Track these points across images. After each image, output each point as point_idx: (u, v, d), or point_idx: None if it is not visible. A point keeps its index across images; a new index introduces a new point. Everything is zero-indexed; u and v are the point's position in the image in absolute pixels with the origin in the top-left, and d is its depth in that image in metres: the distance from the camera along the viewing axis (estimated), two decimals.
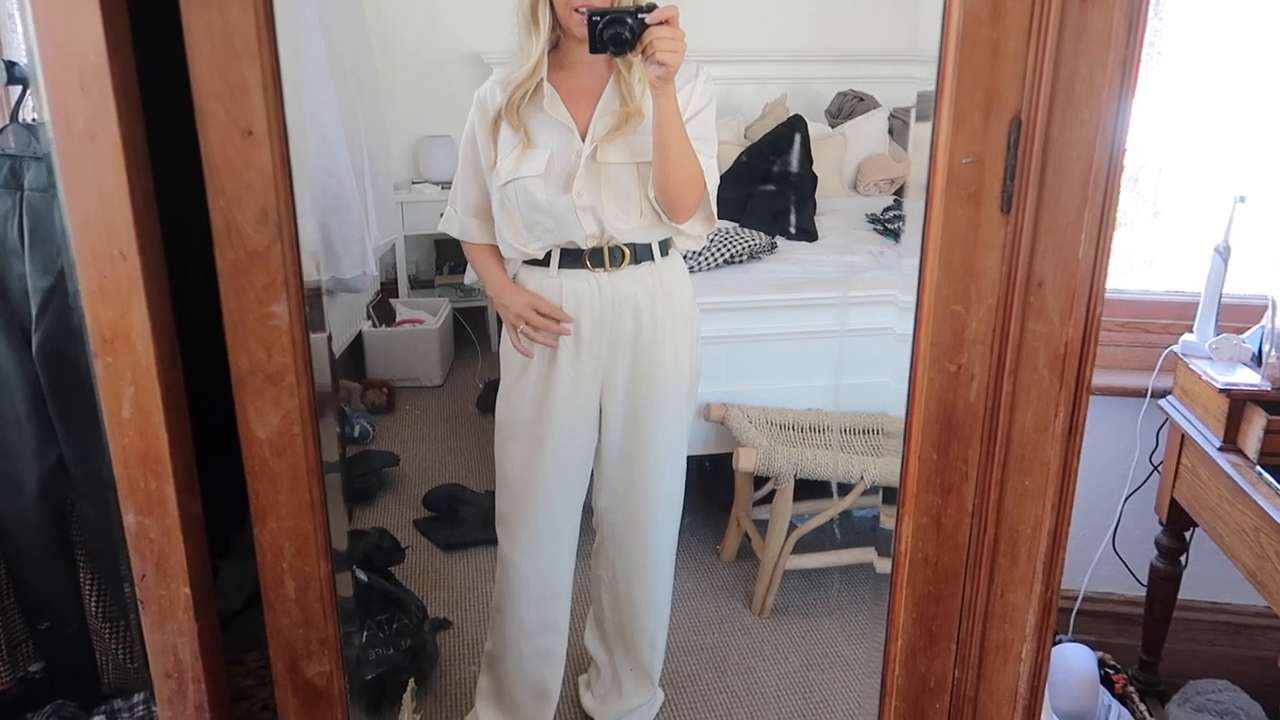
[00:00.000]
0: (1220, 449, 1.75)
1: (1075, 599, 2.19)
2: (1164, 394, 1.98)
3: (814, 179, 2.00)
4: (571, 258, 1.48)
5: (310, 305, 1.01)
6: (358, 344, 2.07)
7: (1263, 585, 1.61)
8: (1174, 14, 2.07)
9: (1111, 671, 2.04)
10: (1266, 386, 1.74)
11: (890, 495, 1.10)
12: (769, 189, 1.96)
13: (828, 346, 1.92)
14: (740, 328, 1.90)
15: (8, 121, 1.40)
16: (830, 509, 1.88)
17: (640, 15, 1.28)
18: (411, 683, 1.64)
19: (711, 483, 1.96)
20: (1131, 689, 2.03)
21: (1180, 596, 2.05)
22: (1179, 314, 2.10)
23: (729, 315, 1.88)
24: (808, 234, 1.97)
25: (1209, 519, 1.79)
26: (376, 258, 1.95)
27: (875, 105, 2.10)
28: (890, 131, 2.12)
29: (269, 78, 0.92)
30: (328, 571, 1.07)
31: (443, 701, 1.75)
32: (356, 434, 2.06)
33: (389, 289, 2.12)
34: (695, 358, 1.59)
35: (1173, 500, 1.94)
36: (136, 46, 0.94)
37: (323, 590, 1.07)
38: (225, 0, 0.89)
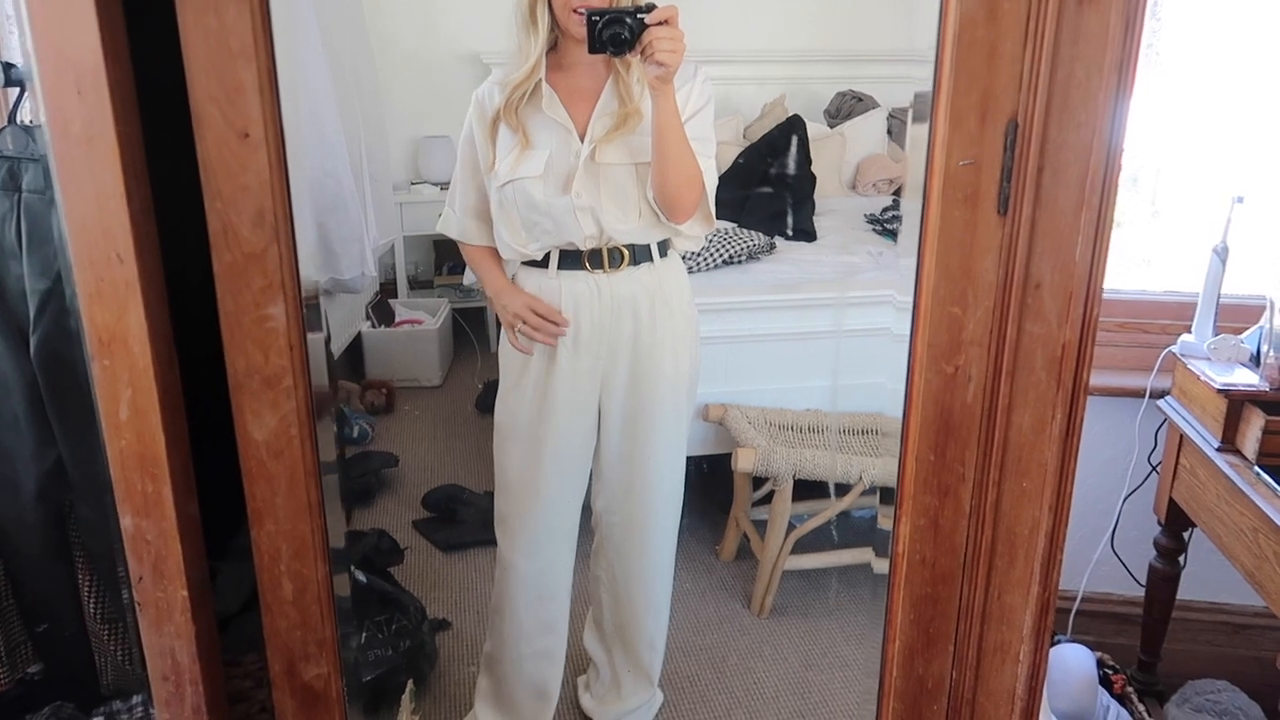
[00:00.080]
0: (1218, 449, 1.75)
1: (1074, 599, 2.19)
2: (1162, 394, 1.98)
3: (812, 179, 2.00)
4: (570, 259, 1.48)
5: (307, 307, 1.01)
6: (357, 345, 2.07)
7: (1261, 585, 1.61)
8: (1172, 15, 2.07)
9: (1110, 672, 2.04)
10: (1265, 387, 1.74)
11: (888, 496, 1.10)
12: (767, 190, 1.96)
13: (827, 347, 1.92)
14: (739, 328, 1.90)
15: (5, 123, 1.40)
16: (829, 509, 1.88)
17: (639, 15, 1.28)
18: (410, 684, 1.64)
19: (710, 483, 1.96)
20: (1130, 689, 2.03)
21: (1179, 597, 2.05)
22: (1177, 314, 2.10)
23: (728, 316, 1.87)
24: (806, 234, 1.97)
25: (1207, 519, 1.80)
26: (375, 258, 1.95)
27: (874, 105, 2.10)
28: (889, 132, 2.12)
29: (265, 80, 0.92)
30: (325, 573, 1.08)
31: (441, 702, 1.75)
32: (355, 435, 2.06)
33: (388, 289, 2.12)
34: (694, 358, 1.59)
35: (1171, 500, 1.94)
36: (133, 49, 0.94)
37: (320, 592, 1.08)
38: (222, 2, 0.89)
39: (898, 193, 2.07)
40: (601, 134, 1.41)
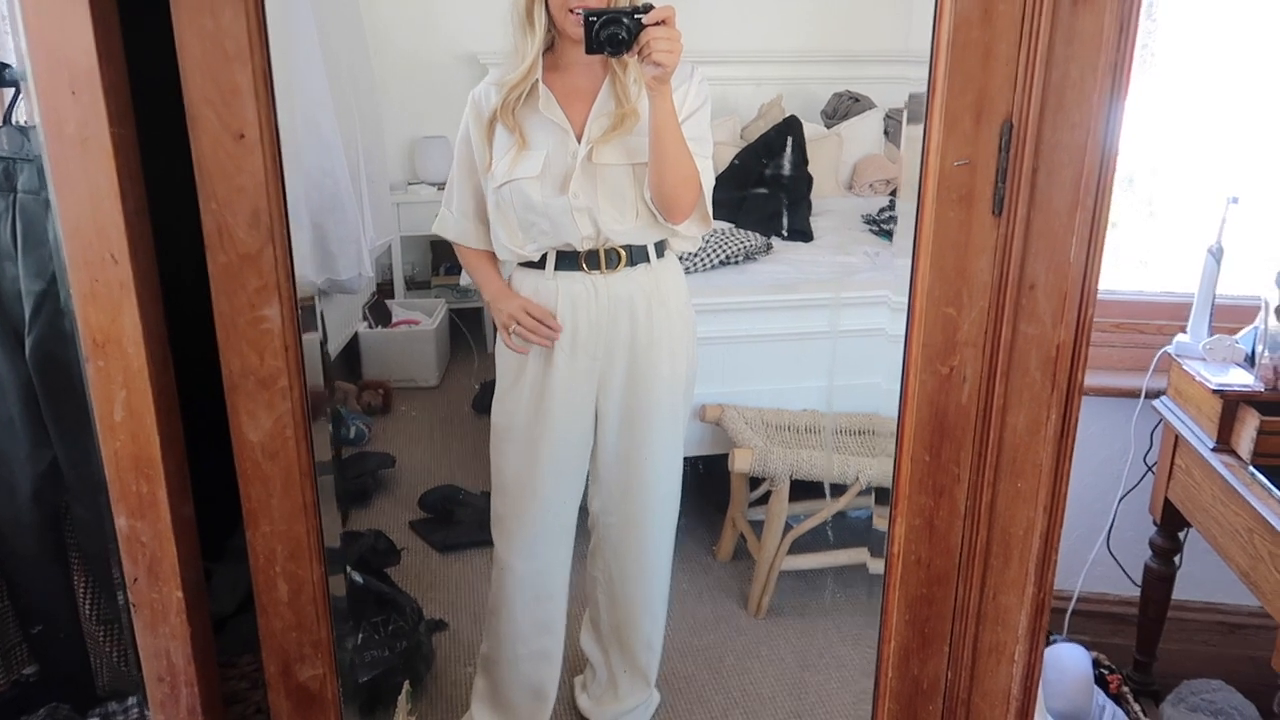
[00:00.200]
0: (1214, 450, 1.75)
1: (1070, 599, 2.19)
2: (1158, 395, 1.98)
3: (809, 180, 2.00)
4: (567, 259, 1.48)
5: (303, 308, 1.01)
6: (353, 345, 2.07)
7: (1256, 585, 1.62)
8: (1167, 16, 2.07)
9: (1106, 671, 2.04)
10: (1259, 387, 1.74)
11: (883, 496, 1.10)
12: (764, 190, 1.96)
13: (824, 347, 1.92)
14: (736, 329, 1.90)
15: (0, 124, 1.40)
16: (825, 510, 1.88)
17: (636, 16, 1.27)
18: (407, 685, 1.64)
19: (707, 484, 1.96)
20: (1126, 689, 2.03)
21: (1174, 597, 2.06)
22: (1173, 315, 2.10)
23: (725, 316, 1.87)
24: (803, 235, 1.97)
25: (1203, 519, 1.80)
26: (372, 259, 1.95)
27: (871, 106, 2.10)
28: (886, 132, 2.12)
29: (261, 81, 0.92)
30: (321, 574, 1.08)
31: (438, 703, 1.75)
32: (352, 435, 2.05)
33: (385, 290, 2.11)
34: (691, 359, 1.59)
35: (1166, 501, 1.94)
36: (128, 50, 0.94)
37: (316, 593, 1.08)
38: (217, 4, 0.89)
39: (895, 193, 2.07)
40: (598, 134, 1.41)
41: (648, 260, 1.49)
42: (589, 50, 1.29)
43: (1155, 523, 2.02)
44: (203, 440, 1.09)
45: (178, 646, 1.07)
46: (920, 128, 0.96)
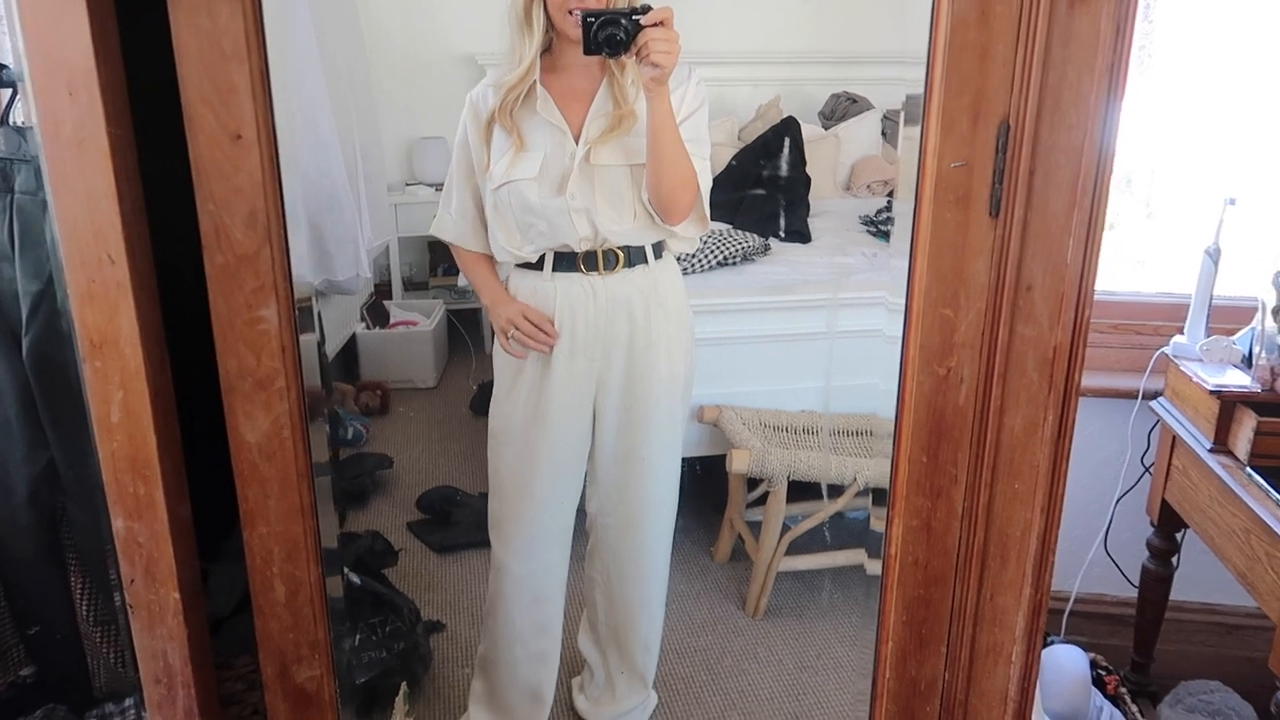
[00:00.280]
0: (1211, 450, 1.75)
1: (1067, 600, 2.19)
2: (1155, 395, 1.98)
3: (807, 181, 2.00)
4: (565, 261, 1.48)
5: (300, 308, 1.01)
6: (351, 346, 2.07)
7: (1253, 586, 1.62)
8: (1164, 17, 2.07)
9: (1103, 673, 2.05)
10: (1256, 388, 1.74)
11: (880, 498, 1.10)
12: (762, 191, 1.96)
13: (822, 348, 1.92)
14: (734, 330, 1.90)
15: None
16: (823, 511, 1.88)
17: (635, 17, 1.28)
18: (404, 686, 1.64)
19: (705, 485, 1.96)
20: (1123, 690, 2.03)
21: (1172, 598, 2.06)
22: (1170, 315, 2.10)
23: (723, 317, 1.87)
24: (801, 236, 1.97)
25: (1200, 520, 1.80)
26: (370, 259, 1.95)
27: (868, 107, 2.10)
28: (883, 133, 2.12)
29: (258, 81, 0.92)
30: (318, 576, 1.07)
31: (435, 705, 1.75)
32: (350, 436, 2.05)
33: (382, 291, 2.11)
34: (689, 360, 1.59)
35: (1164, 502, 1.94)
36: (125, 50, 0.94)
37: (313, 594, 1.07)
38: (214, 3, 0.89)
39: (892, 194, 2.07)
40: (596, 135, 1.41)
41: (646, 261, 1.49)
42: (587, 51, 1.29)
43: (1152, 524, 2.02)
44: (200, 441, 1.09)
45: (175, 648, 1.07)
46: (917, 129, 0.96)
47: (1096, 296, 0.98)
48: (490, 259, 1.53)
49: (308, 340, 1.04)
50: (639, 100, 1.38)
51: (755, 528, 1.94)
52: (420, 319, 2.14)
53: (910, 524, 1.05)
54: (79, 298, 0.97)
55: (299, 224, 1.01)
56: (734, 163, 1.95)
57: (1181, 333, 1.94)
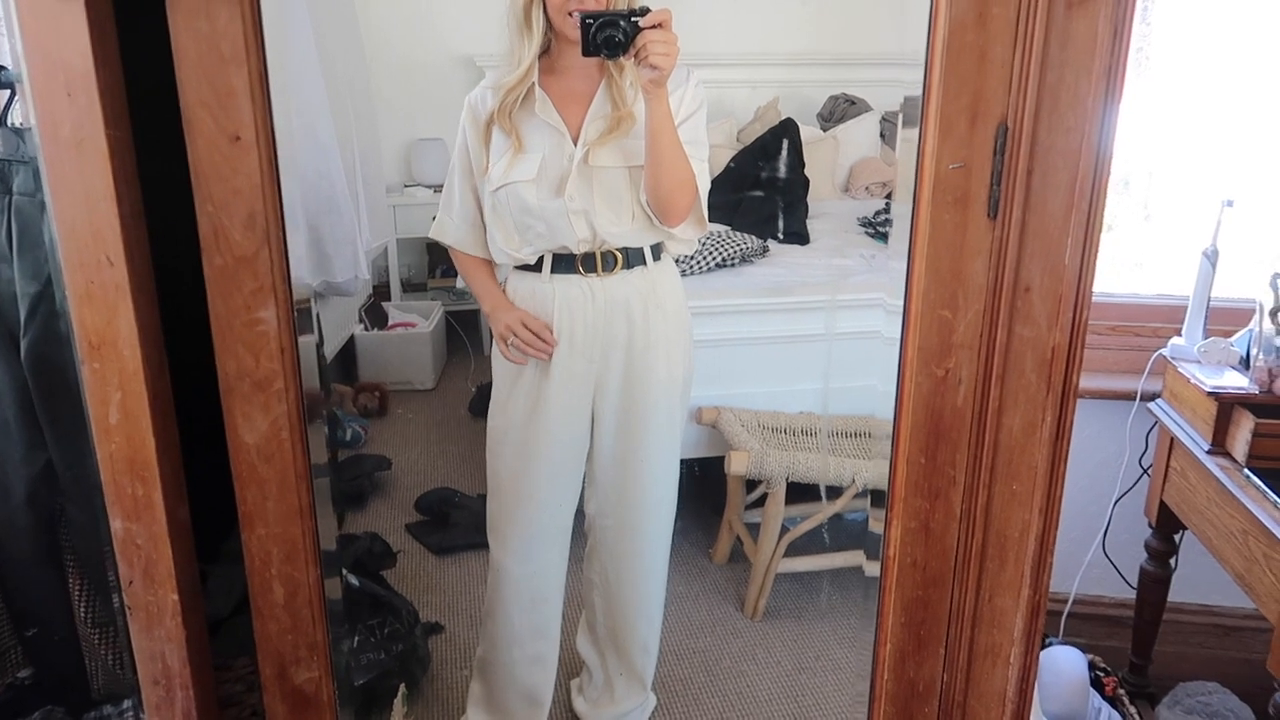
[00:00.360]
0: (1209, 452, 1.75)
1: (1065, 602, 2.19)
2: (1153, 397, 1.99)
3: (805, 182, 2.00)
4: (564, 262, 1.48)
5: (299, 310, 1.01)
6: (350, 347, 2.07)
7: (1251, 588, 1.62)
8: (1162, 20, 2.08)
9: (1102, 674, 2.05)
10: (1254, 390, 1.75)
11: (879, 499, 1.10)
12: (760, 193, 1.96)
13: (820, 350, 1.93)
14: (732, 331, 1.90)
15: None
16: (821, 512, 1.88)
17: (633, 19, 1.28)
18: (402, 688, 1.64)
19: (703, 486, 1.96)
20: (1122, 691, 2.03)
21: (1170, 599, 2.06)
22: (1168, 317, 2.11)
23: (721, 319, 1.88)
24: (799, 237, 1.97)
25: (1198, 522, 1.80)
26: (368, 261, 1.95)
27: (867, 109, 2.11)
28: (882, 135, 2.13)
29: (257, 84, 0.92)
30: (316, 577, 1.07)
31: (434, 707, 1.75)
32: (348, 438, 2.05)
33: (381, 292, 2.11)
34: (688, 362, 1.59)
35: (1162, 503, 1.94)
36: (124, 52, 0.94)
37: (311, 596, 1.07)
38: (213, 7, 0.89)
39: (890, 196, 2.07)
40: (595, 137, 1.41)
41: (644, 263, 1.49)
42: (586, 53, 1.29)
43: (1150, 525, 2.02)
44: (198, 443, 1.09)
45: (173, 649, 1.07)
46: (916, 131, 0.96)
47: (1094, 298, 0.98)
48: (490, 264, 1.53)
49: (306, 342, 1.04)
50: (637, 102, 1.38)
51: (754, 529, 1.94)
52: (419, 320, 2.14)
53: (909, 525, 1.05)
54: (77, 299, 0.97)
55: (297, 226, 1.01)
56: (732, 164, 1.95)
57: (1179, 334, 1.94)
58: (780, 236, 1.95)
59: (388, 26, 1.94)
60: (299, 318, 1.01)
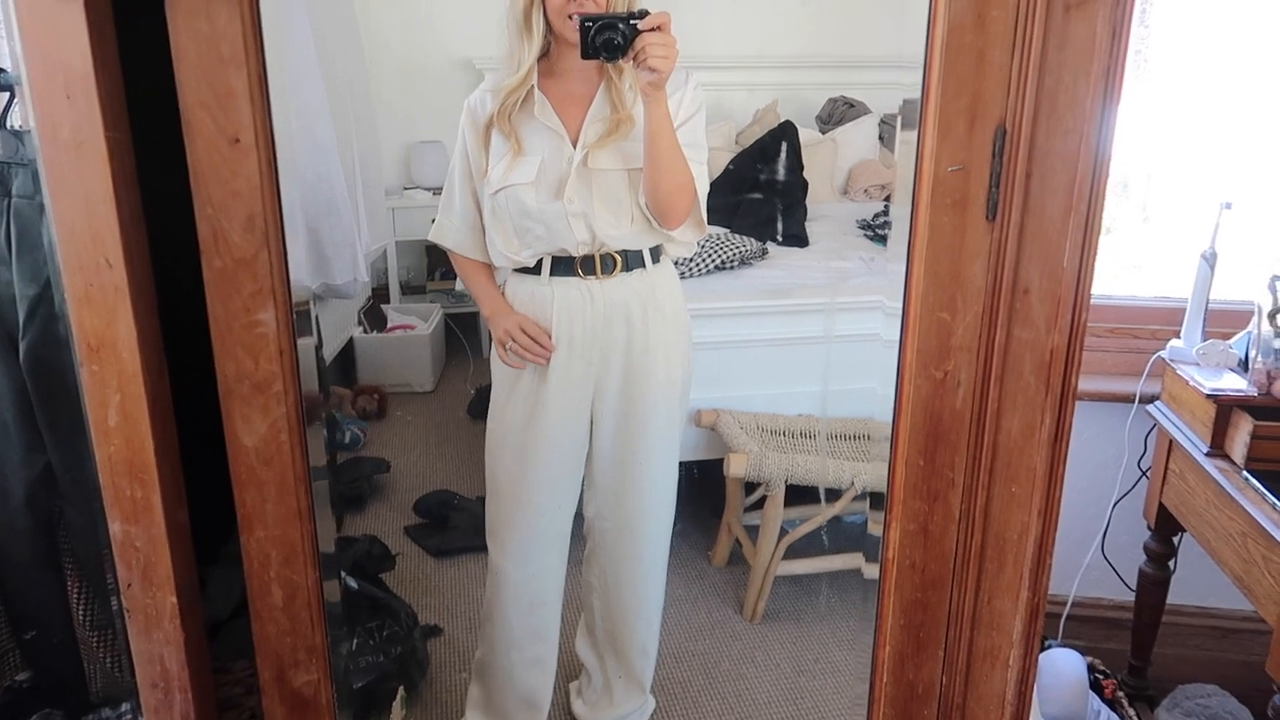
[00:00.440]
0: (1207, 454, 1.75)
1: (1064, 604, 2.19)
2: (1152, 399, 1.99)
3: (804, 185, 2.00)
4: (563, 265, 1.48)
5: (298, 312, 1.01)
6: (349, 350, 2.07)
7: (1249, 590, 1.62)
8: (1160, 22, 2.08)
9: (1101, 676, 2.05)
10: (1253, 392, 1.75)
11: (878, 501, 1.10)
12: (759, 195, 1.97)
13: (819, 352, 1.93)
14: (731, 334, 1.90)
15: None
16: (820, 515, 1.88)
17: (632, 21, 1.28)
18: (401, 691, 1.64)
19: (702, 488, 1.96)
20: (1121, 694, 2.03)
21: (1169, 601, 2.06)
22: (1167, 320, 2.11)
23: (720, 321, 1.88)
24: (798, 240, 1.98)
25: (1197, 524, 1.80)
26: (368, 263, 1.95)
27: (866, 111, 2.11)
28: (880, 137, 2.13)
29: (256, 86, 0.92)
30: (315, 580, 1.07)
31: (432, 710, 1.75)
32: (347, 440, 2.05)
33: (380, 295, 2.11)
34: (687, 364, 1.59)
35: (1161, 505, 1.94)
36: (123, 54, 0.94)
37: (310, 599, 1.07)
38: (213, 8, 0.89)
39: (889, 198, 2.07)
40: (594, 140, 1.41)
41: (643, 265, 1.49)
42: (585, 55, 1.30)
43: (1149, 527, 2.02)
44: (197, 445, 1.09)
45: (172, 652, 1.07)
46: (914, 133, 0.96)
47: (1093, 300, 0.98)
48: (489, 268, 1.53)
49: (305, 344, 1.04)
50: (637, 105, 1.38)
51: (753, 532, 1.94)
52: (418, 323, 2.14)
53: (907, 528, 1.05)
54: (76, 301, 0.97)
55: (297, 228, 1.01)
56: (731, 167, 1.95)
57: (1178, 337, 1.94)
58: (779, 239, 1.95)
59: (387, 29, 1.94)
60: (298, 320, 1.01)
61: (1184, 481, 1.85)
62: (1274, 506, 1.57)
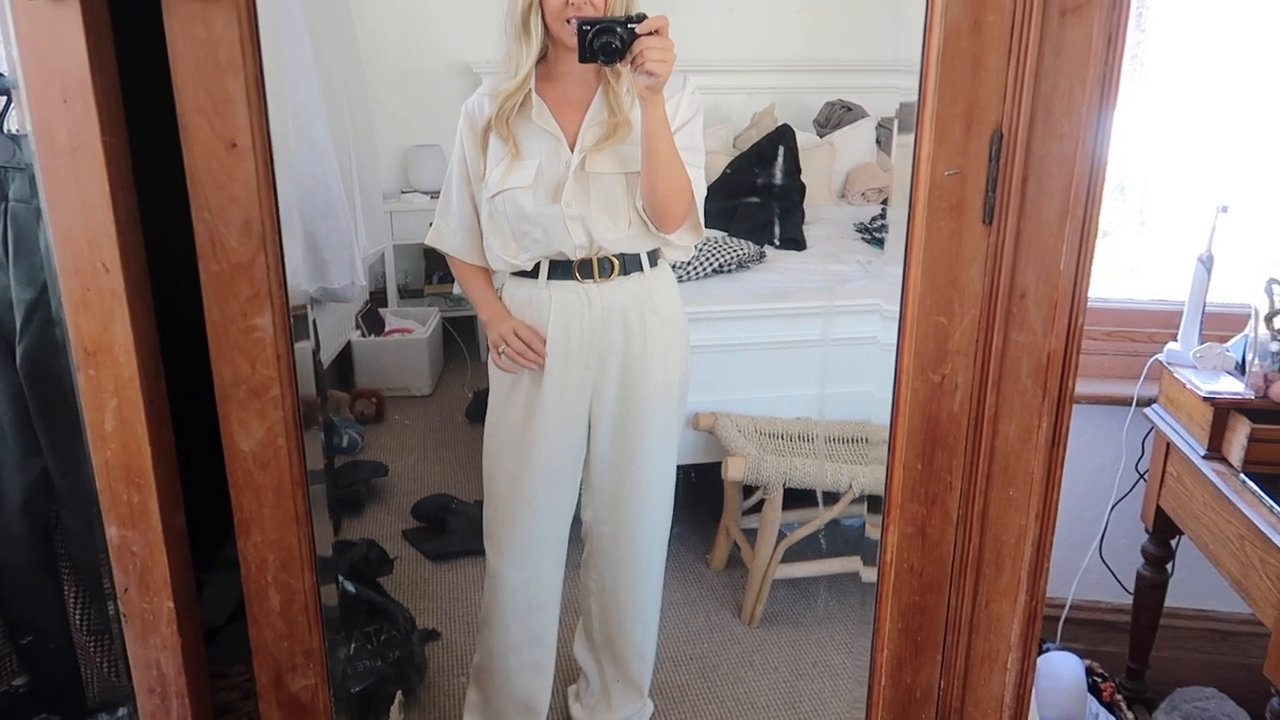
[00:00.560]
0: (1205, 457, 1.75)
1: (1062, 607, 2.19)
2: (1149, 402, 1.99)
3: (802, 188, 2.00)
4: (560, 269, 1.48)
5: (295, 316, 1.01)
6: (346, 354, 2.06)
7: (1247, 593, 1.62)
8: (1157, 26, 2.09)
9: (1099, 679, 2.05)
10: (1250, 395, 1.75)
11: (876, 505, 1.10)
12: (756, 199, 1.97)
13: (817, 355, 1.93)
14: (729, 337, 1.90)
15: None
16: (819, 518, 1.88)
17: (630, 25, 1.28)
18: (399, 695, 1.63)
19: (700, 492, 1.96)
20: (1119, 697, 2.03)
21: (1167, 604, 2.06)
22: (1164, 323, 2.11)
23: (718, 325, 1.88)
24: (796, 243, 1.98)
25: (1194, 527, 1.80)
26: (365, 267, 1.95)
27: (863, 115, 2.11)
28: (878, 141, 2.13)
29: (253, 90, 0.92)
30: (312, 584, 1.07)
31: (430, 714, 1.74)
32: (345, 444, 2.05)
33: (378, 298, 2.11)
34: (684, 368, 1.59)
35: (1158, 508, 1.95)
36: (120, 58, 0.94)
37: (307, 603, 1.07)
38: (209, 14, 0.89)
39: (887, 202, 2.07)
40: (591, 143, 1.41)
41: (641, 269, 1.49)
42: (583, 59, 1.30)
43: (1147, 530, 2.02)
44: (194, 449, 1.08)
45: (169, 657, 1.07)
46: (911, 137, 0.96)
47: (1090, 303, 0.99)
48: (487, 272, 1.53)
49: (303, 348, 1.04)
50: (634, 108, 1.38)
51: (751, 535, 1.94)
52: (415, 326, 2.14)
53: (905, 531, 1.05)
54: (73, 306, 0.96)
55: (294, 232, 1.01)
56: (729, 170, 1.95)
57: (1175, 340, 1.94)
58: (777, 242, 1.95)
59: (384, 32, 1.94)
60: (295, 324, 1.01)
61: (1181, 484, 1.85)
62: (1271, 509, 1.58)
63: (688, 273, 1.81)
